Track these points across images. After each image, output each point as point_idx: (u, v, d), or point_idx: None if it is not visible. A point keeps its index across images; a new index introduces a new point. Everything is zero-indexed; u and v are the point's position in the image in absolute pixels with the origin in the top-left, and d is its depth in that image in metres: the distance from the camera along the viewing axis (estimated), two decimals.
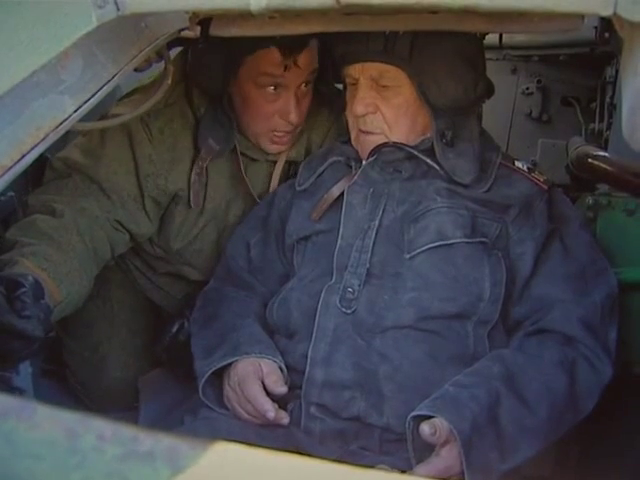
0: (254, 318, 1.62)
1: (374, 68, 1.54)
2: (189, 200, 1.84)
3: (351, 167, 1.66)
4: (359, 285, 1.50)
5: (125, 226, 1.77)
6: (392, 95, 1.55)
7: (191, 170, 1.81)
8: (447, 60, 1.52)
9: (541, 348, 1.47)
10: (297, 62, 1.70)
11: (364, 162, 1.63)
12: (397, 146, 1.58)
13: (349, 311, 1.49)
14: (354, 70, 1.57)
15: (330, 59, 1.74)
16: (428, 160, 1.57)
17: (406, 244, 1.52)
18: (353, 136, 1.65)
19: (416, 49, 1.51)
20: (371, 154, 1.60)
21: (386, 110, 1.56)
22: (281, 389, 1.47)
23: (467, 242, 1.51)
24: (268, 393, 1.47)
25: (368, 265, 1.51)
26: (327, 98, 1.93)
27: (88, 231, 1.63)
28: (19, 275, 1.24)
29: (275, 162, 1.91)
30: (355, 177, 1.61)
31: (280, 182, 1.92)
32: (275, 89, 1.74)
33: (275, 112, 1.77)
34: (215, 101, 1.79)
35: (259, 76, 1.73)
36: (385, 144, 1.58)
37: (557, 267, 1.53)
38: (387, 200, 1.56)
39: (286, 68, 1.71)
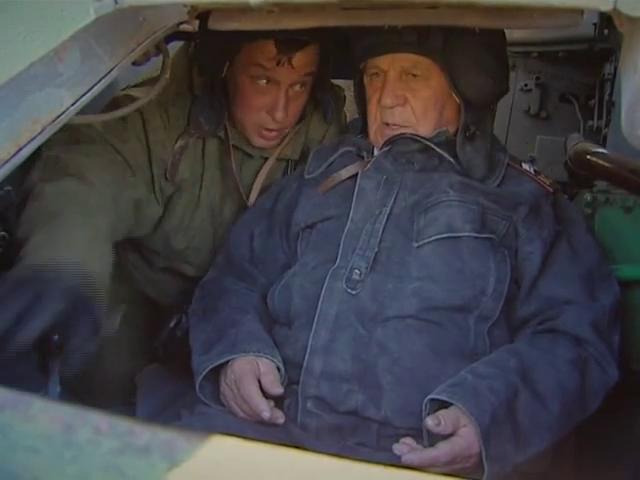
0: (254, 314, 1.62)
1: (406, 59, 1.55)
2: (169, 181, 1.82)
3: (362, 157, 1.68)
4: (366, 268, 1.51)
5: (139, 207, 1.74)
6: (421, 87, 1.57)
7: (175, 146, 1.80)
8: (478, 53, 1.55)
9: (554, 345, 1.48)
10: (291, 60, 1.70)
11: (376, 151, 1.65)
12: (413, 138, 1.59)
13: (354, 292, 1.49)
14: (383, 61, 1.58)
15: (345, 52, 1.73)
16: (444, 153, 1.59)
17: (415, 233, 1.54)
18: (374, 129, 1.65)
19: (449, 41, 1.53)
20: (385, 144, 1.62)
21: (415, 102, 1.57)
22: (277, 390, 1.46)
23: (475, 237, 1.53)
24: (264, 392, 1.47)
25: (377, 249, 1.53)
26: (322, 104, 1.94)
27: (110, 211, 1.57)
28: None
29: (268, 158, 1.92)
30: (368, 165, 1.63)
31: (268, 179, 1.92)
32: (266, 83, 1.74)
33: (263, 107, 1.77)
34: (211, 84, 1.79)
35: (252, 66, 1.73)
36: (400, 135, 1.60)
37: (566, 268, 1.55)
38: (399, 188, 1.58)
39: (279, 64, 1.70)
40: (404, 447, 1.33)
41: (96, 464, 0.55)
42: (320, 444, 1.43)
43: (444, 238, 1.52)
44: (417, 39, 1.53)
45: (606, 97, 2.59)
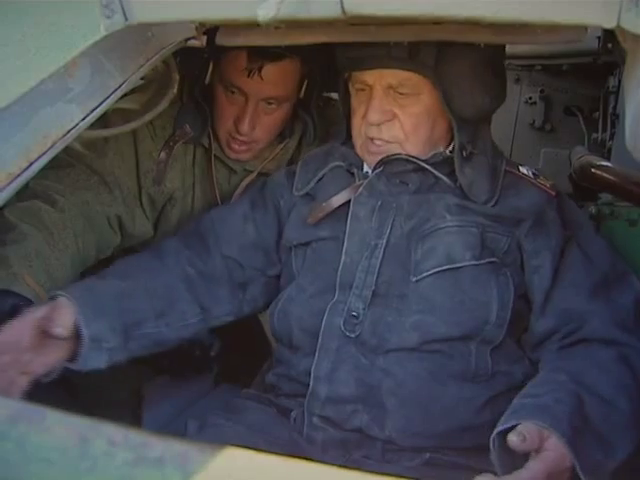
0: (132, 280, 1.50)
1: (394, 75, 1.45)
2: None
3: (352, 174, 1.58)
4: (364, 309, 1.46)
5: (123, 223, 1.75)
6: (411, 103, 1.47)
7: (161, 152, 1.78)
8: (474, 68, 1.46)
9: (590, 351, 1.40)
10: (261, 72, 1.67)
11: (369, 172, 1.56)
12: (407, 159, 1.51)
13: (353, 335, 1.45)
14: (369, 76, 1.47)
15: (319, 69, 1.72)
16: (441, 175, 1.51)
17: (413, 265, 1.47)
18: (359, 144, 1.55)
19: (442, 56, 1.43)
20: (378, 165, 1.53)
21: (405, 119, 1.48)
22: (57, 330, 1.27)
23: (476, 264, 1.46)
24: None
25: (374, 287, 1.46)
26: (303, 124, 1.89)
27: (82, 233, 1.59)
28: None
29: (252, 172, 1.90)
30: (361, 189, 1.53)
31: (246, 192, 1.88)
32: (237, 94, 1.72)
33: (231, 116, 1.76)
34: (195, 91, 1.78)
35: (225, 75, 1.71)
36: (395, 155, 1.51)
37: (581, 277, 1.47)
38: (395, 215, 1.50)
39: (250, 74, 1.67)
40: (488, 477, 1.13)
41: (111, 475, 0.56)
42: (326, 456, 1.42)
43: (443, 270, 1.45)
44: (408, 53, 1.43)
45: (610, 110, 2.59)
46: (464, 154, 1.50)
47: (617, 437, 1.26)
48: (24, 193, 1.53)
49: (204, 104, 1.77)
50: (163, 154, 1.78)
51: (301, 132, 1.91)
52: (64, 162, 1.68)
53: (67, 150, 1.64)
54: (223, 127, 1.79)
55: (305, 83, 1.78)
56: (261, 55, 1.65)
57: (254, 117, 1.73)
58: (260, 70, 1.67)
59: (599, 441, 1.23)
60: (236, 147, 1.80)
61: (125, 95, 1.75)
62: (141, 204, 1.80)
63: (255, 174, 1.89)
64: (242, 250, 1.63)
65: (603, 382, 1.32)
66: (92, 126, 1.34)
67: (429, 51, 1.43)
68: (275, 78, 1.70)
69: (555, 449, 1.15)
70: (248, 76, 1.68)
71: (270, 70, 1.68)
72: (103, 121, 1.59)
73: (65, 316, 1.30)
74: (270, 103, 1.74)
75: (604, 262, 1.50)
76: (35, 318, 1.27)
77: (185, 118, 1.78)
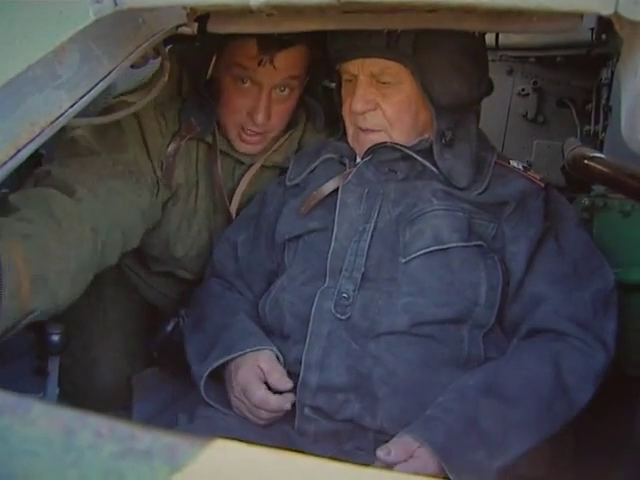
0: (243, 315, 1.60)
1: (375, 64, 1.51)
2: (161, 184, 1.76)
3: (344, 165, 1.63)
4: (354, 290, 1.48)
5: (146, 213, 1.70)
6: (393, 92, 1.52)
7: (169, 146, 1.76)
8: (452, 57, 1.50)
9: (526, 347, 1.46)
10: (273, 60, 1.66)
11: (359, 160, 1.61)
12: (393, 146, 1.55)
13: (344, 317, 1.46)
14: (353, 66, 1.54)
15: (325, 55, 1.69)
16: (425, 161, 1.55)
17: (401, 248, 1.50)
18: (350, 134, 1.61)
19: (420, 45, 1.48)
20: (367, 153, 1.58)
21: (387, 107, 1.53)
22: (287, 385, 1.46)
23: (463, 246, 1.48)
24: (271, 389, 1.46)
25: (363, 269, 1.49)
26: (312, 111, 1.88)
27: (103, 228, 1.49)
28: None
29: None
30: (350, 177, 1.58)
31: (253, 185, 1.87)
32: (249, 84, 1.71)
33: (244, 108, 1.74)
34: (197, 84, 1.76)
35: (234, 66, 1.70)
36: (382, 144, 1.56)
37: (550, 265, 1.50)
38: (382, 201, 1.54)
39: (260, 63, 1.66)
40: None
41: (97, 468, 0.55)
42: (318, 448, 1.41)
43: (432, 251, 1.48)
44: (386, 42, 1.48)
45: (603, 102, 2.60)
46: (443, 141, 1.54)
47: (510, 436, 1.33)
48: (44, 180, 1.45)
49: (210, 98, 1.75)
50: (171, 148, 1.75)
51: (304, 122, 1.91)
52: (87, 151, 1.62)
53: (89, 141, 1.63)
54: (233, 120, 1.77)
55: (312, 69, 1.78)
56: (272, 44, 1.64)
57: (269, 106, 1.72)
58: (272, 59, 1.66)
59: (484, 441, 1.31)
60: (248, 138, 1.78)
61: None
62: (156, 195, 1.75)
63: (259, 166, 1.87)
64: (248, 273, 1.71)
65: (513, 382, 1.39)
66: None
67: (407, 40, 1.48)
68: (287, 63, 1.69)
69: (421, 456, 1.29)
70: (259, 65, 1.67)
71: (281, 57, 1.67)
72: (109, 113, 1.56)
73: (280, 370, 1.49)
74: (282, 90, 1.73)
75: (577, 254, 1.53)
76: (261, 383, 1.47)
77: (190, 113, 1.76)
